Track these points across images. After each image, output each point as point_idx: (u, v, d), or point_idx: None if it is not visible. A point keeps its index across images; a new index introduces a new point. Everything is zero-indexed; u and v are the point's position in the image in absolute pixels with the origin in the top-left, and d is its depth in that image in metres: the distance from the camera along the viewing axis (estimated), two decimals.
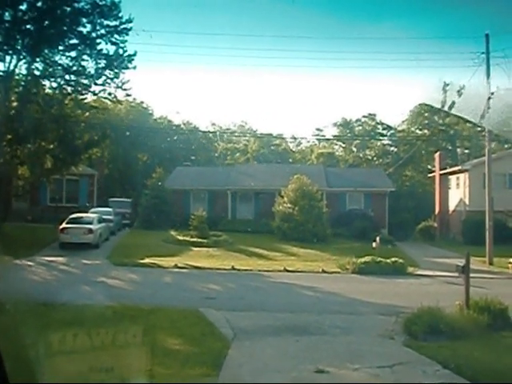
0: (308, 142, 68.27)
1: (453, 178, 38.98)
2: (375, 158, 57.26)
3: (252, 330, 11.12)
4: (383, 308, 13.98)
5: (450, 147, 52.51)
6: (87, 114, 32.76)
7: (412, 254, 26.99)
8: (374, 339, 10.83)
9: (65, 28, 27.09)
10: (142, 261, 22.00)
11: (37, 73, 28.53)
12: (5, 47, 26.74)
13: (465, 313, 11.47)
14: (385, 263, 21.21)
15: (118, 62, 28.50)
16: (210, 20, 61.68)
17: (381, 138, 57.94)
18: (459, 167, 37.41)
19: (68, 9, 26.67)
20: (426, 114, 53.16)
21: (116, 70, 28.76)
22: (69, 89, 29.61)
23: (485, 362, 8.50)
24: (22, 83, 28.46)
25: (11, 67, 26.91)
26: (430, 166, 49.69)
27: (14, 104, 28.45)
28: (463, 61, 45.36)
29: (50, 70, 28.81)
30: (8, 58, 26.79)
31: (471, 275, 12.24)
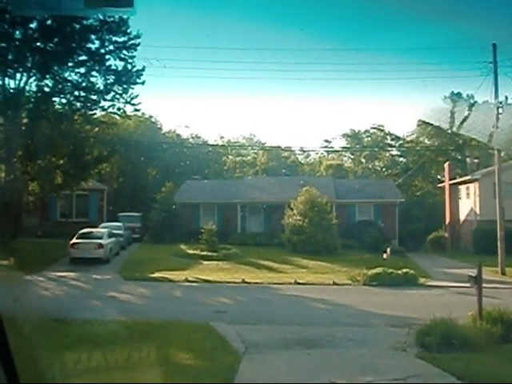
0: (317, 153, 68.03)
1: (463, 187, 38.75)
2: (384, 169, 57.09)
3: (263, 344, 11.06)
4: (395, 320, 13.87)
5: (459, 157, 52.17)
6: (96, 129, 32.90)
7: (423, 265, 26.81)
8: (386, 351, 10.74)
9: (74, 45, 27.37)
10: (152, 275, 22.02)
11: (47, 89, 28.73)
12: (15, 65, 27.05)
13: (478, 324, 11.36)
14: (396, 274, 21.08)
15: (127, 78, 28.69)
16: (217, 33, 62.11)
17: (389, 148, 57.74)
18: (469, 177, 37.17)
19: (77, 26, 26.95)
20: (435, 124, 52.84)
21: (125, 86, 28.92)
22: (78, 105, 29.79)
23: (498, 374, 8.41)
24: (32, 100, 28.65)
25: (21, 84, 27.23)
26: (439, 176, 49.41)
27: (25, 121, 28.67)
28: (470, 71, 45.30)
29: (60, 86, 29.03)
30: (18, 75, 27.14)
31: (483, 285, 12.13)
